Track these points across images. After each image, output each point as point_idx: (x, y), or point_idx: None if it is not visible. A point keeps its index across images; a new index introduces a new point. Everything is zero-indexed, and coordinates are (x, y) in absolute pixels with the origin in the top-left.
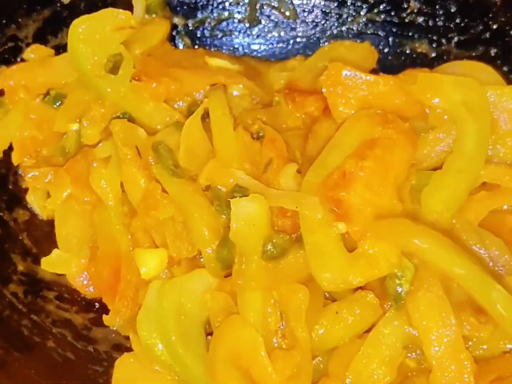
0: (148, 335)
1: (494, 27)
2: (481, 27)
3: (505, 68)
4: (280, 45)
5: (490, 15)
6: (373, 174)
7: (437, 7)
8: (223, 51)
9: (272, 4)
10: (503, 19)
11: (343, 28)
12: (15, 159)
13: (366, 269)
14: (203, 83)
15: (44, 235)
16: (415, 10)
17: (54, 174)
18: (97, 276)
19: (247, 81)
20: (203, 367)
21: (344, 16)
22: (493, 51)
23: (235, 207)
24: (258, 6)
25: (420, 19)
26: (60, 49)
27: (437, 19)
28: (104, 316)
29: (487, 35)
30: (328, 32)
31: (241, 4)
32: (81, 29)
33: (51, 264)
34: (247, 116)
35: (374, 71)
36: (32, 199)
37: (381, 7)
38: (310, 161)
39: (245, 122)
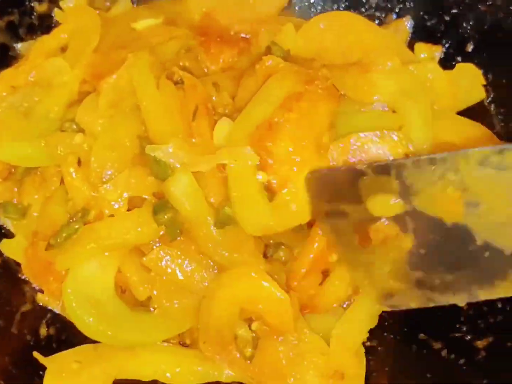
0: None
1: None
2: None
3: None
4: None
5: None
6: (298, 126)
7: None
8: None
9: None
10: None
11: None
12: None
13: (286, 217)
14: None
15: None
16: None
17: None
18: (33, 259)
19: (172, 30)
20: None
21: None
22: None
23: (172, 187)
24: None
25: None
26: None
27: None
28: (38, 295)
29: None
30: None
31: None
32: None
33: (9, 248)
34: (170, 65)
35: None
36: None
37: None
38: (240, 112)
39: (169, 71)
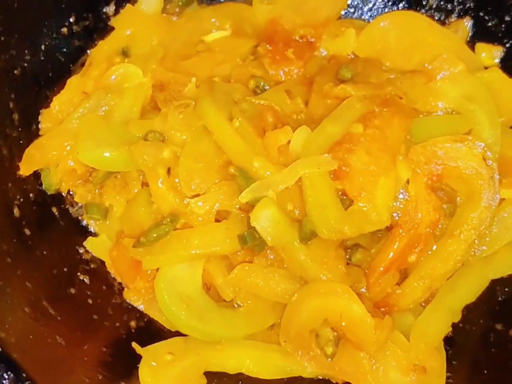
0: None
1: None
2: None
3: None
4: None
5: None
6: (373, 140)
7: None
8: None
9: None
10: None
11: None
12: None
13: (360, 223)
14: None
15: None
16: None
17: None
18: (119, 258)
19: (240, 44)
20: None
21: None
22: None
23: (256, 222)
24: None
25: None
26: None
27: None
28: (125, 290)
29: None
30: None
31: None
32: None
33: (94, 246)
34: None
35: None
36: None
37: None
38: (313, 121)
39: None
